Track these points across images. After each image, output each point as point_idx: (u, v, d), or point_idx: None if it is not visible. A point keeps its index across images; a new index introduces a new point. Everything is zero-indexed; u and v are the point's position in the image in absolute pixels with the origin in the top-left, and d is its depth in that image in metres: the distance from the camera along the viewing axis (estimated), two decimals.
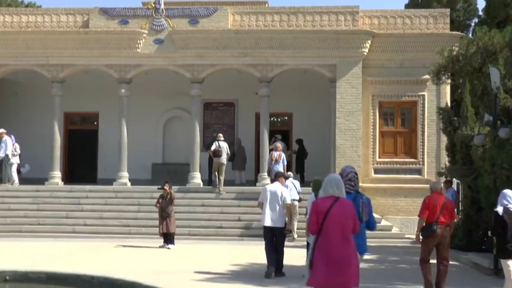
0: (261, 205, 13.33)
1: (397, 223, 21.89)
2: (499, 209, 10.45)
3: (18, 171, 24.25)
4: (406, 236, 20.01)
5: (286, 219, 13.30)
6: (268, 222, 12.99)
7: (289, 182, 18.68)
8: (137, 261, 14.83)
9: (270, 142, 22.71)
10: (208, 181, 23.58)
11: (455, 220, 11.34)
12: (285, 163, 21.45)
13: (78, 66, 23.92)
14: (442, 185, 19.22)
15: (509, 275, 10.27)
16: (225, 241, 19.39)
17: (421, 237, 11.29)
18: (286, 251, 13.20)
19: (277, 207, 13.02)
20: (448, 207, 11.15)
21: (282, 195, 13.12)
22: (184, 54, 23.29)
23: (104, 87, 25.17)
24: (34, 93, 26.45)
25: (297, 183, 19.89)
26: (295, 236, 18.50)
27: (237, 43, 23.14)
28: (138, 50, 23.34)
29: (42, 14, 24.07)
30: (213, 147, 21.90)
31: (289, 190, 17.49)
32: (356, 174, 8.32)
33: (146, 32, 23.30)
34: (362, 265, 14.53)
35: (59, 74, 23.76)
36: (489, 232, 11.17)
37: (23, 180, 23.81)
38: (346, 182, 8.03)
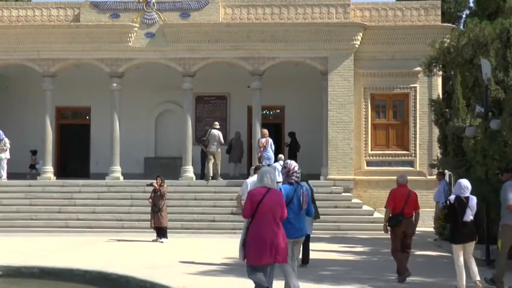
0: (239, 198, 13.31)
1: None
2: (452, 198, 10.95)
3: (34, 167, 24.43)
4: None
5: None
6: None
7: (277, 164, 19.69)
8: (130, 256, 14.83)
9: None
10: (201, 175, 23.61)
11: (419, 210, 12.01)
12: (273, 148, 21.71)
13: (69, 61, 23.84)
14: (436, 176, 19.32)
15: (458, 259, 10.74)
16: (218, 234, 19.42)
17: (388, 227, 11.90)
18: None
19: None
20: (412, 199, 11.78)
21: None
22: (176, 47, 23.25)
23: (95, 81, 25.11)
24: (25, 87, 26.36)
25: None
26: None
27: (228, 36, 23.10)
28: (129, 43, 23.28)
29: (32, 8, 23.97)
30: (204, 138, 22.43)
31: (278, 173, 18.35)
32: (298, 168, 9.46)
33: (137, 25, 23.24)
34: (355, 257, 14.65)
35: (50, 69, 23.68)
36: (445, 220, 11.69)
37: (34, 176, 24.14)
38: (291, 174, 9.27)
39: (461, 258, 10.67)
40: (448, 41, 18.19)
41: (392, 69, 23.23)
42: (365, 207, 21.00)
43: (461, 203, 10.77)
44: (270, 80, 23.61)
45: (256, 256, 8.24)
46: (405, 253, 11.78)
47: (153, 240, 17.78)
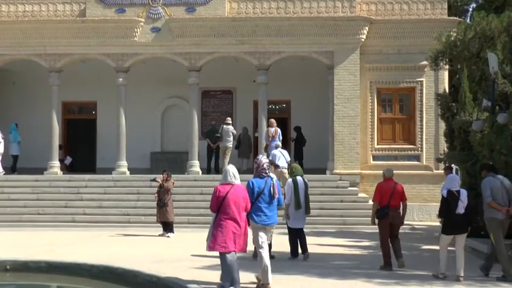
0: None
1: None
2: (444, 192, 11.43)
3: (62, 161, 24.70)
4: (404, 223, 20.01)
5: None
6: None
7: (277, 151, 20.39)
8: (137, 250, 14.86)
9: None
10: (207, 169, 23.63)
11: (406, 202, 12.55)
12: (281, 138, 21.82)
13: (75, 56, 23.86)
14: (443, 170, 19.26)
15: (443, 248, 11.49)
16: None
17: (376, 220, 12.44)
18: (275, 237, 13.35)
19: None
20: (398, 191, 12.29)
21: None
22: (182, 42, 23.25)
23: (101, 76, 25.13)
24: (32, 83, 26.39)
25: (285, 152, 20.86)
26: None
27: (234, 31, 23.08)
28: (135, 38, 23.28)
29: (38, 3, 23.94)
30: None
31: (278, 159, 19.93)
32: (268, 163, 10.75)
33: (143, 20, 23.24)
34: (361, 251, 14.63)
35: (56, 64, 23.71)
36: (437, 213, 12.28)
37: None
38: (261, 169, 10.55)
39: (446, 247, 11.38)
40: (455, 34, 18.12)
41: (398, 63, 23.17)
42: (371, 202, 20.94)
43: (454, 197, 11.24)
44: (275, 74, 23.58)
45: (223, 245, 9.50)
46: (396, 242, 12.31)
47: (159, 235, 17.82)
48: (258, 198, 10.43)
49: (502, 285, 10.74)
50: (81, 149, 27.20)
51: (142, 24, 23.25)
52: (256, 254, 10.90)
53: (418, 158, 23.05)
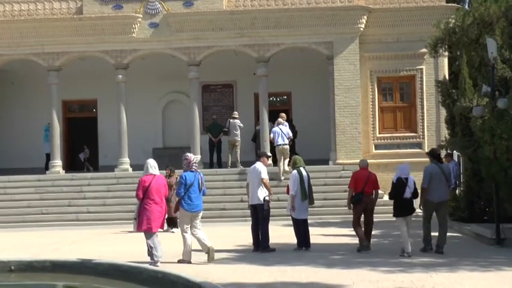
0: (247, 186, 13.87)
1: None
2: (394, 179, 12.82)
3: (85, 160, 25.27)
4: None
5: (266, 195, 13.41)
6: (250, 201, 13.62)
7: (277, 128, 21.07)
8: (142, 247, 14.81)
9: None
10: (209, 163, 23.63)
11: (379, 190, 13.80)
12: (290, 135, 21.70)
13: (73, 54, 23.84)
14: (443, 158, 19.24)
15: (401, 228, 12.60)
16: (228, 222, 19.49)
17: (351, 205, 13.55)
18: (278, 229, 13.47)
19: (255, 184, 13.45)
20: (371, 180, 13.40)
21: (258, 171, 13.44)
22: (180, 37, 23.21)
23: (101, 73, 25.10)
24: (31, 82, 26.38)
25: (286, 128, 21.31)
26: (286, 169, 20.65)
27: (232, 24, 23.04)
28: (133, 34, 23.25)
29: (34, 1, 23.89)
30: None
31: (278, 136, 20.83)
32: (196, 159, 12.42)
33: (141, 16, 23.19)
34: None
35: (55, 62, 23.68)
36: (388, 196, 13.53)
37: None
38: (191, 165, 12.11)
39: (405, 228, 12.55)
40: (453, 21, 18.06)
41: (398, 52, 23.15)
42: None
43: (402, 183, 12.66)
44: (276, 66, 23.55)
45: (149, 226, 11.62)
46: (368, 226, 13.45)
47: (164, 231, 17.76)
48: (188, 189, 11.98)
49: (505, 268, 10.76)
50: (83, 147, 27.16)
51: (140, 20, 23.21)
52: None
53: (420, 145, 23.05)
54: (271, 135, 21.45)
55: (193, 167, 12.20)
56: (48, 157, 24.47)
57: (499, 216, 13.75)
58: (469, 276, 10.12)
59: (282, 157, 21.24)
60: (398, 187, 12.70)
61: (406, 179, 12.71)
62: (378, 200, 14.17)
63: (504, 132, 13.57)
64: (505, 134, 13.55)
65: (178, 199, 12.08)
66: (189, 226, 12.17)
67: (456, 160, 19.22)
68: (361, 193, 13.30)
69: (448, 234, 15.73)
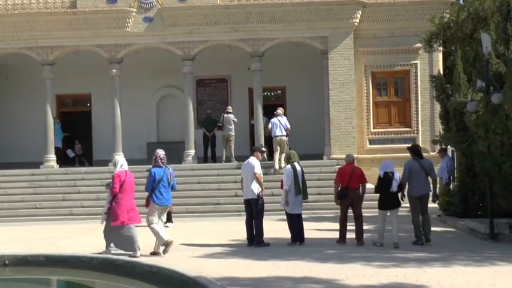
0: (242, 181, 13.84)
1: None
2: (381, 173, 13.26)
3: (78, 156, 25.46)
4: (402, 206, 20.02)
5: (259, 189, 13.41)
6: (244, 196, 13.60)
7: (275, 119, 21.25)
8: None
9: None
10: (204, 158, 23.61)
11: (366, 184, 13.84)
12: (288, 126, 21.76)
13: (67, 48, 23.76)
14: (438, 153, 19.28)
15: (381, 221, 13.25)
16: (222, 217, 19.48)
17: (338, 200, 13.76)
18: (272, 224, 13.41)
19: (249, 179, 13.44)
20: (356, 174, 13.61)
21: (252, 166, 13.45)
22: (175, 31, 23.16)
23: (95, 68, 25.02)
24: (25, 77, 26.27)
25: (284, 119, 21.43)
26: (281, 165, 20.55)
27: (227, 18, 22.99)
28: (127, 29, 23.18)
29: None
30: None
31: (276, 127, 21.10)
32: (164, 155, 12.67)
33: (135, 10, 23.12)
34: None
35: (49, 56, 23.60)
36: (374, 190, 13.67)
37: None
38: (159, 160, 12.53)
39: (383, 221, 13.19)
40: (448, 16, 18.07)
41: (392, 47, 23.15)
42: (368, 186, 20.93)
43: (388, 177, 13.13)
44: (270, 61, 23.53)
45: (122, 220, 12.07)
46: (358, 222, 13.53)
47: None
48: (158, 184, 12.42)
49: (498, 263, 10.79)
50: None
51: (134, 14, 23.14)
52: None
53: (414, 140, 22.96)
54: (270, 125, 21.53)
55: (161, 162, 12.58)
56: (58, 151, 24.31)
57: (493, 211, 13.78)
58: (462, 271, 10.14)
59: (279, 148, 21.33)
60: (386, 181, 13.13)
61: (392, 173, 13.18)
62: (372, 195, 14.19)
63: (498, 127, 13.59)
64: (499, 129, 13.57)
65: (148, 194, 12.51)
66: (158, 220, 12.64)
67: (450, 155, 19.25)
68: (346, 188, 13.52)
69: (442, 229, 15.85)
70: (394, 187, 13.13)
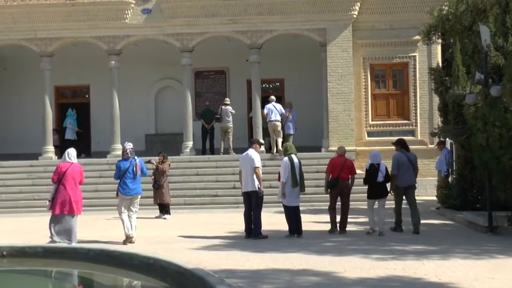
0: (240, 173, 13.85)
1: None
2: (367, 165, 14.06)
3: (57, 147, 24.57)
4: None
5: (257, 182, 13.41)
6: (243, 188, 13.59)
7: (271, 105, 21.68)
8: (133, 232, 14.82)
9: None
10: (202, 150, 23.59)
11: (355, 175, 14.35)
12: (295, 117, 22.43)
13: (66, 39, 23.70)
14: (436, 146, 19.28)
15: (370, 209, 13.95)
16: (220, 209, 19.50)
17: (328, 190, 14.25)
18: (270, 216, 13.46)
19: (248, 172, 13.45)
20: (347, 166, 14.07)
21: (251, 158, 13.44)
22: (173, 23, 23.10)
23: (93, 59, 24.97)
24: (23, 68, 26.24)
25: (279, 105, 21.83)
26: (279, 148, 20.67)
27: (225, 10, 22.94)
28: (126, 20, 23.13)
29: None
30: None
31: (271, 113, 21.42)
32: (132, 149, 13.44)
33: (134, 1, 23.06)
34: (358, 228, 14.68)
35: (48, 48, 23.55)
36: (363, 181, 14.26)
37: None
38: (126, 153, 13.38)
39: (372, 210, 13.87)
40: (447, 8, 18.01)
41: (391, 39, 23.11)
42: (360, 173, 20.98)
43: (374, 169, 13.83)
44: (268, 53, 23.48)
45: (60, 208, 12.68)
46: (345, 210, 14.11)
47: (156, 217, 17.84)
48: (123, 175, 13.14)
49: (496, 256, 10.80)
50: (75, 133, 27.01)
51: (133, 5, 23.08)
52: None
53: (412, 133, 23.07)
54: (265, 111, 21.68)
55: (128, 155, 13.32)
56: (68, 143, 24.06)
57: (492, 203, 13.79)
58: (461, 264, 10.15)
59: (274, 134, 21.61)
60: (372, 172, 13.85)
61: (378, 164, 13.89)
62: (362, 187, 14.48)
63: (497, 119, 13.57)
64: (498, 122, 13.55)
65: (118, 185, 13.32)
66: (126, 209, 13.21)
67: (449, 148, 19.24)
68: (337, 178, 13.97)
69: (440, 222, 15.87)
70: (380, 177, 13.81)
